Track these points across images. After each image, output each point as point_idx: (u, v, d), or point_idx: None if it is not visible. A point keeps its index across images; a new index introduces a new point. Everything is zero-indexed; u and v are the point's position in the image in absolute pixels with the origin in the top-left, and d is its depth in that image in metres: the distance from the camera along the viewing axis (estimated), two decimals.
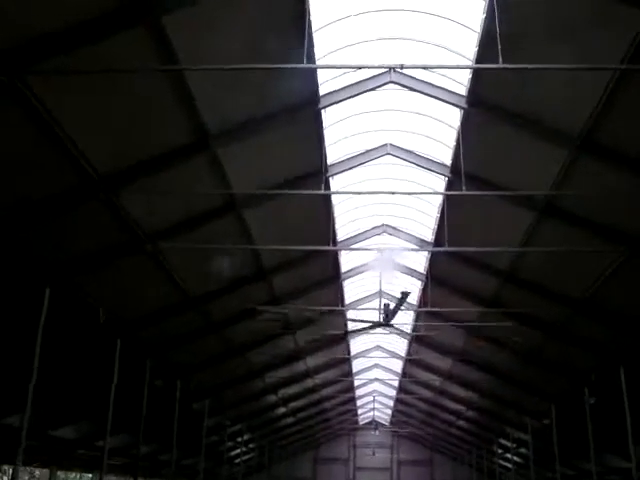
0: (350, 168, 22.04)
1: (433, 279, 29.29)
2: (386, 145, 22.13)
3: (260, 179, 20.23)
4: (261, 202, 21.20)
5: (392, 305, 20.04)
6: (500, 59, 12.44)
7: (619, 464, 46.20)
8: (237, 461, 57.56)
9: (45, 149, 15.66)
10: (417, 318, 34.60)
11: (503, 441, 56.91)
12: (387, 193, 19.64)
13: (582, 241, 21.18)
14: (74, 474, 52.74)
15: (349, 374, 49.98)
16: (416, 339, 37.83)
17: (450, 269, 27.92)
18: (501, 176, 20.62)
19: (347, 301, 30.91)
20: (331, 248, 23.62)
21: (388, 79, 18.51)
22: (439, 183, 22.94)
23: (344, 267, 29.98)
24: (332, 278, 29.72)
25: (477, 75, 17.36)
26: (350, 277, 30.85)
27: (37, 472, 45.52)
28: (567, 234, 21.40)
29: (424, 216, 26.16)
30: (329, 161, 21.38)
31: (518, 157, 19.76)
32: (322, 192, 19.70)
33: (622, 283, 23.29)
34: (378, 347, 44.72)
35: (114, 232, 20.11)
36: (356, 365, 49.94)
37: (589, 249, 21.14)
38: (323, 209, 23.20)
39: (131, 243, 20.75)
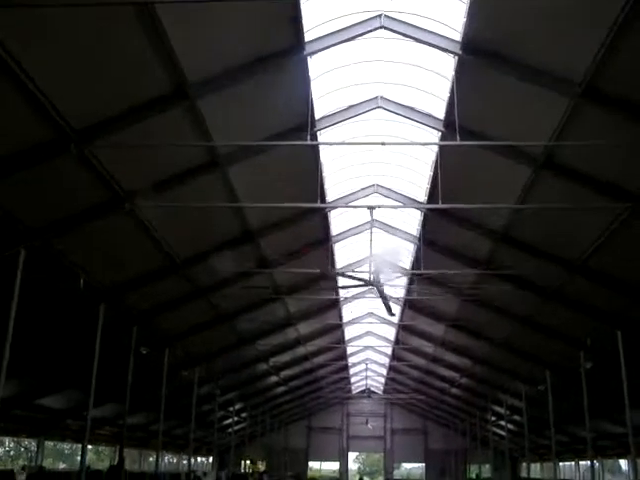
0: (339, 122, 20.98)
1: (426, 241, 28.42)
2: (377, 98, 21.06)
3: (244, 133, 19.19)
4: (245, 157, 20.23)
5: (383, 266, 19.23)
6: None
7: (613, 430, 46.08)
8: (229, 430, 57.13)
9: (14, 102, 14.68)
10: (410, 283, 33.74)
11: (497, 408, 56.66)
12: (377, 144, 18.65)
13: (582, 198, 20.33)
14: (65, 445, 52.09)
15: (341, 341, 49.33)
16: (409, 305, 37.07)
17: (443, 230, 27.06)
18: (498, 129, 19.64)
19: (338, 265, 30.01)
20: (319, 205, 22.69)
21: (378, 24, 17.43)
22: (433, 138, 21.91)
23: (334, 230, 29.05)
24: (322, 241, 28.82)
25: (472, 19, 16.29)
26: (341, 240, 29.95)
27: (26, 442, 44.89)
28: (566, 191, 20.52)
29: (417, 175, 25.21)
30: (317, 115, 20.35)
31: (516, 107, 18.77)
32: (309, 142, 18.68)
33: (621, 245, 22.49)
34: (370, 314, 43.96)
35: (91, 190, 19.16)
36: (348, 333, 49.29)
37: (590, 206, 20.22)
38: (311, 166, 22.17)
39: (110, 202, 19.81)
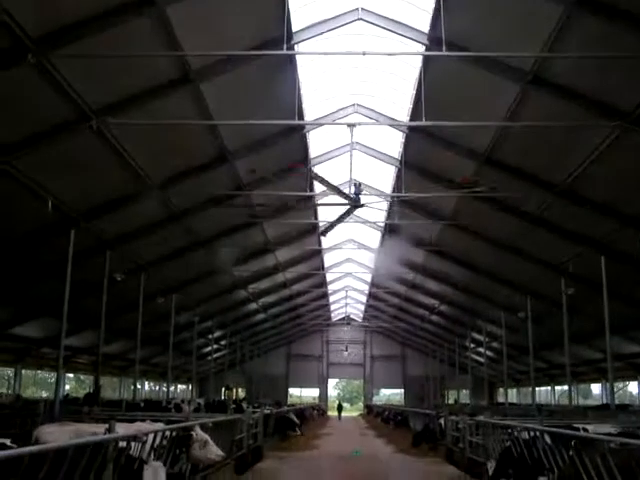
0: (317, 35, 19.79)
1: (407, 164, 27.57)
2: (357, 10, 19.87)
3: (216, 45, 18.03)
4: (219, 72, 19.12)
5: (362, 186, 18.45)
6: None
7: (589, 356, 46.53)
8: (208, 358, 57.11)
9: None
10: (390, 207, 33.01)
11: (476, 335, 56.94)
12: (358, 54, 17.65)
13: (571, 117, 19.53)
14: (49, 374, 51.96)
15: (321, 268, 48.89)
16: (389, 230, 36.44)
17: (425, 152, 26.22)
18: (485, 42, 18.55)
19: (317, 190, 29.14)
20: (297, 122, 21.77)
21: None
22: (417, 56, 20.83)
23: (313, 152, 28.09)
24: (300, 163, 27.84)
25: None
26: (320, 163, 29.01)
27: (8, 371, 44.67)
28: (555, 109, 19.76)
29: (399, 94, 24.20)
30: (294, 27, 19.20)
31: (506, 19, 17.73)
32: (285, 52, 17.61)
33: (608, 167, 21.90)
34: (350, 240, 43.39)
35: (56, 106, 18.12)
36: (328, 259, 48.80)
37: (579, 123, 19.44)
38: (289, 83, 21.09)
39: (76, 120, 18.77)
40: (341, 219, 22.09)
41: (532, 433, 11.92)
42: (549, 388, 62.35)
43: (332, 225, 23.49)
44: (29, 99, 17.47)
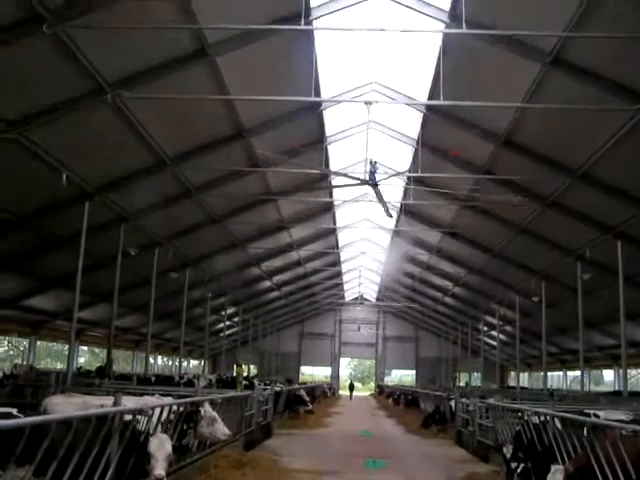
0: (336, 10, 19.47)
1: (424, 144, 27.32)
2: None
3: (234, 20, 17.78)
4: (236, 47, 18.91)
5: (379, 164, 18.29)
6: None
7: (602, 342, 46.33)
8: (221, 335, 57.33)
9: None
10: (406, 187, 32.76)
11: (489, 318, 56.80)
12: (377, 30, 17.35)
13: (592, 100, 19.21)
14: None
15: (335, 247, 48.76)
16: (405, 210, 36.22)
17: (443, 132, 25.94)
18: (507, 21, 18.20)
19: (332, 168, 28.95)
20: (314, 99, 21.51)
21: None
22: (437, 34, 20.46)
23: (329, 130, 27.85)
24: (316, 141, 27.65)
25: None
26: (336, 141, 28.80)
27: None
28: (575, 91, 19.41)
29: (417, 73, 23.85)
30: (312, 2, 18.94)
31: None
32: (303, 27, 17.31)
33: (628, 152, 21.59)
34: (365, 219, 43.15)
35: (71, 79, 18.04)
36: (343, 238, 48.62)
37: (599, 107, 19.12)
38: (306, 58, 20.80)
39: (91, 92, 18.71)
40: (381, 199, 22.02)
41: (542, 417, 11.79)
42: (561, 373, 62.20)
43: (386, 208, 23.43)
44: (44, 71, 17.44)
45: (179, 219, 30.74)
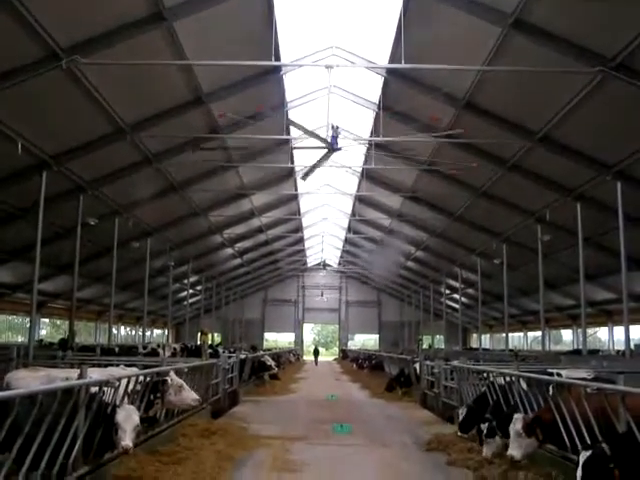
0: None
1: (385, 108, 27.21)
2: None
3: None
4: (193, 10, 18.50)
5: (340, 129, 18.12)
6: None
7: (562, 302, 47.19)
8: (184, 303, 57.08)
9: None
10: (368, 152, 32.68)
11: (451, 282, 57.37)
12: None
13: (553, 62, 19.20)
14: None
15: (297, 213, 48.62)
16: (366, 176, 36.19)
17: (404, 96, 25.76)
18: None
19: (293, 134, 28.66)
20: (273, 63, 21.16)
21: None
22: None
23: (289, 95, 27.56)
24: (277, 106, 27.32)
25: None
26: (297, 106, 28.50)
27: None
28: (536, 54, 19.36)
29: (378, 36, 23.60)
30: None
31: None
32: None
33: (587, 115, 21.74)
34: (327, 185, 43.02)
35: (24, 45, 17.49)
36: (304, 205, 48.45)
37: (560, 69, 19.14)
38: (265, 22, 20.47)
39: (45, 58, 18.16)
40: (320, 163, 21.82)
41: (508, 378, 11.97)
42: (522, 334, 63.28)
43: (312, 169, 23.25)
44: None
45: (139, 188, 30.26)
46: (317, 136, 18.78)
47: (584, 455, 7.13)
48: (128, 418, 8.47)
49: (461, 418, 12.66)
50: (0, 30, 16.58)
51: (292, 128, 26.78)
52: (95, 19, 17.81)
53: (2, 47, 17.37)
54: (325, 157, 21.14)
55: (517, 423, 9.46)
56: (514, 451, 9.36)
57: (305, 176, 25.42)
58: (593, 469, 6.97)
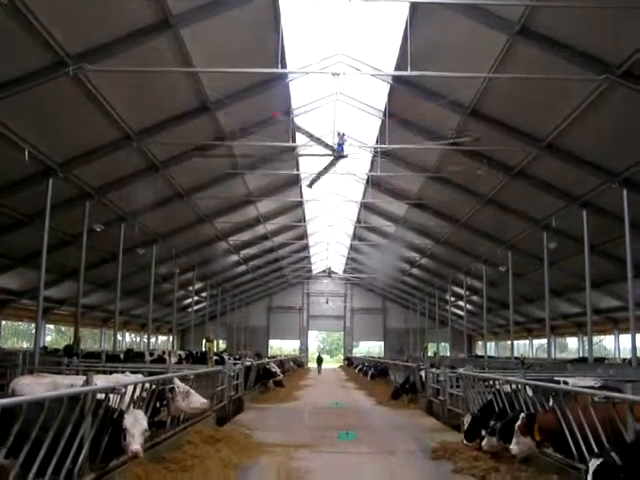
0: None
1: (391, 116, 27.21)
2: None
3: None
4: (200, 18, 18.55)
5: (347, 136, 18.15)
6: None
7: (568, 310, 47.06)
8: (189, 310, 57.09)
9: None
10: (373, 159, 32.69)
11: (456, 289, 57.27)
12: None
13: (559, 70, 19.21)
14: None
15: (302, 220, 48.59)
16: (372, 183, 36.18)
17: (410, 103, 25.76)
18: None
19: (299, 141, 28.68)
20: (279, 71, 21.21)
21: None
22: (404, 5, 20.23)
23: (295, 102, 27.57)
24: (283, 113, 27.33)
25: None
26: (303, 113, 28.51)
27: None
28: (542, 61, 19.37)
29: (385, 44, 23.59)
30: None
31: None
32: None
33: (593, 123, 21.75)
34: (332, 192, 42.98)
35: (31, 52, 17.55)
36: (310, 211, 48.42)
37: (566, 77, 19.14)
38: (272, 29, 20.52)
39: (52, 65, 18.24)
40: (326, 170, 21.84)
41: (514, 386, 11.93)
42: (527, 341, 63.10)
43: (318, 176, 23.27)
44: (4, 45, 16.92)
45: (145, 194, 30.30)
46: (323, 143, 18.76)
47: (594, 463, 7.09)
48: (136, 423, 8.46)
49: (466, 426, 12.64)
50: (8, 37, 16.65)
51: (298, 135, 26.78)
52: (102, 26, 17.87)
53: (10, 54, 17.44)
54: (331, 164, 21.16)
55: (519, 421, 9.86)
56: (512, 446, 9.90)
57: (311, 183, 25.46)
58: (603, 478, 6.92)
